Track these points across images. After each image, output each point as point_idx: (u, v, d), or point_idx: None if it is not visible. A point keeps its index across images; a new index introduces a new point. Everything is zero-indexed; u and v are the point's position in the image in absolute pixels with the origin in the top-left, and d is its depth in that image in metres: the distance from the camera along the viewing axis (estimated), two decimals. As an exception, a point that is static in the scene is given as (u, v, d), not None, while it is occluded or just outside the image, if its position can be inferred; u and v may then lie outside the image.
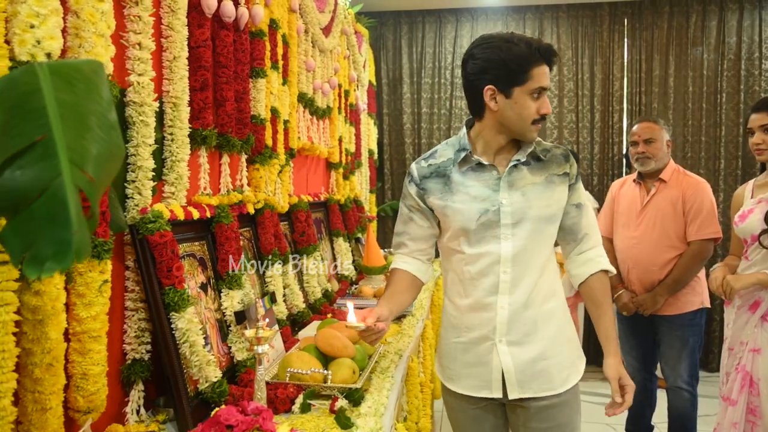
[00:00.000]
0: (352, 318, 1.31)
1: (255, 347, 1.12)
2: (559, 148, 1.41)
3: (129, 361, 1.22)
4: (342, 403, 1.23)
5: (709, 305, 2.55)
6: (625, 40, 4.42)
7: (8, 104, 0.58)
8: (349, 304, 1.37)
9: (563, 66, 4.45)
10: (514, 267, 1.32)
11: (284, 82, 2.23)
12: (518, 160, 1.34)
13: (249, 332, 1.13)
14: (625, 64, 4.43)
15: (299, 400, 1.26)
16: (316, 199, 2.70)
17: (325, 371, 1.34)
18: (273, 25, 2.08)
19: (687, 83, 4.33)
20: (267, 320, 1.23)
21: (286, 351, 1.58)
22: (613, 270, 1.43)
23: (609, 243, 2.62)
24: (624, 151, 4.33)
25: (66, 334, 1.02)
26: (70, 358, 1.05)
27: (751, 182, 2.17)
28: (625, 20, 4.41)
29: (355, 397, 1.28)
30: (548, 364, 1.33)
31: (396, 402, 1.41)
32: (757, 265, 1.99)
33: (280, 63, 2.15)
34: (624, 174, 4.31)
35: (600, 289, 1.40)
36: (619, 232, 2.60)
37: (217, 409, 1.00)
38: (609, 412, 1.35)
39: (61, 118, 0.58)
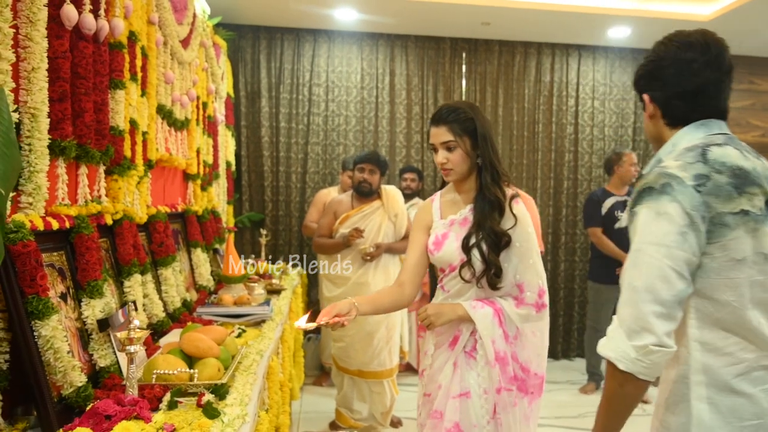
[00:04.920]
0: (301, 322, 1.58)
1: (127, 347, 1.20)
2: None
3: (-16, 373, 1.20)
4: (209, 397, 1.35)
5: None
6: (464, 72, 5.05)
7: None
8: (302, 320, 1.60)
9: (411, 91, 4.92)
10: None
11: (143, 94, 2.25)
12: None
13: (121, 334, 1.20)
14: (464, 93, 5.05)
15: (166, 398, 1.34)
16: (173, 210, 2.71)
17: (192, 370, 1.44)
18: (132, 37, 2.10)
19: (512, 113, 5.07)
20: (136, 323, 1.30)
21: (148, 358, 1.63)
22: None
23: None
24: None
25: None
26: (-77, 370, 1.03)
27: (437, 196, 1.89)
28: (464, 54, 5.03)
29: (221, 392, 1.40)
30: None
31: (259, 395, 1.56)
32: (455, 297, 1.76)
33: (139, 75, 2.17)
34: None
35: None
36: None
37: (90, 405, 1.07)
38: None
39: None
